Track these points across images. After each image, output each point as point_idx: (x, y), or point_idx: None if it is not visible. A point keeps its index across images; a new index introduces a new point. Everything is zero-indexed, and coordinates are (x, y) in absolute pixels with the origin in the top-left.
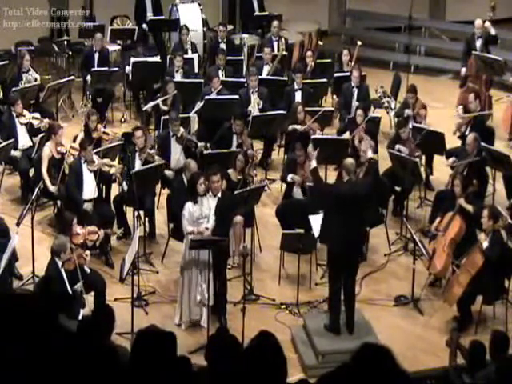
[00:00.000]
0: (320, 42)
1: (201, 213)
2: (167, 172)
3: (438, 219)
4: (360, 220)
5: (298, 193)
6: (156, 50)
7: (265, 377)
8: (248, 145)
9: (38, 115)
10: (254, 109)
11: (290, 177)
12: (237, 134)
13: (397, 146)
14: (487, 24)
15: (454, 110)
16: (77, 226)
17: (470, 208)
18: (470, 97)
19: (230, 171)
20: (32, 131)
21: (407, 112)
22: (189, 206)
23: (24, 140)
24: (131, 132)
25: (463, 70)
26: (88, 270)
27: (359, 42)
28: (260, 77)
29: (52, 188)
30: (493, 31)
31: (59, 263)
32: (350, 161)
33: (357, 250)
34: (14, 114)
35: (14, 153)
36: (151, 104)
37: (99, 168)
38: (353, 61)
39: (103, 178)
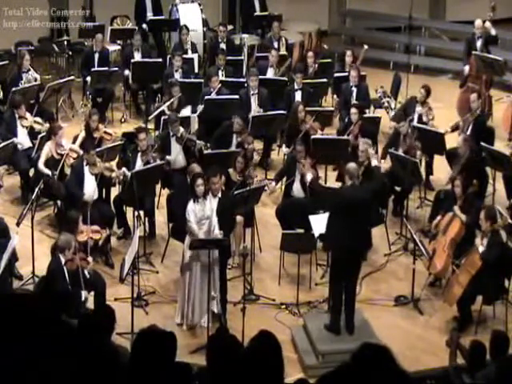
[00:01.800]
0: (325, 46)
1: (203, 213)
2: (168, 157)
3: (438, 217)
4: (363, 224)
5: (297, 189)
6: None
7: (265, 376)
8: (249, 141)
9: (39, 119)
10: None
11: (272, 185)
12: (236, 133)
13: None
14: (487, 24)
15: (452, 112)
16: (82, 224)
17: (462, 217)
18: (473, 96)
19: (231, 170)
20: (32, 134)
21: (403, 128)
22: (190, 205)
23: (24, 141)
24: (134, 133)
25: (466, 69)
26: (88, 276)
27: (366, 46)
28: (260, 77)
29: (46, 170)
30: (493, 31)
31: (62, 260)
32: (353, 165)
33: (359, 253)
34: (17, 116)
35: (15, 140)
36: (157, 112)
37: (101, 172)
38: (357, 63)
39: (104, 182)
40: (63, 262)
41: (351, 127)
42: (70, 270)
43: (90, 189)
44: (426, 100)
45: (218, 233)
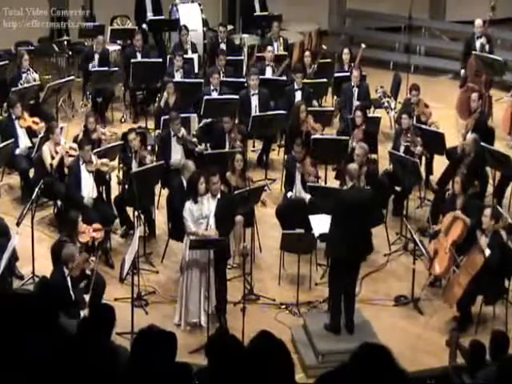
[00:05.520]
0: (324, 47)
1: (201, 213)
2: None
3: (440, 218)
4: (363, 225)
5: (299, 189)
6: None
7: (267, 377)
8: (237, 137)
9: (37, 119)
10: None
11: (288, 194)
12: (228, 133)
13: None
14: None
15: (457, 124)
16: (82, 224)
17: (467, 220)
18: (474, 95)
19: (228, 174)
20: (31, 133)
21: (404, 121)
22: (188, 205)
23: (24, 141)
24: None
25: (462, 72)
26: (89, 273)
27: (363, 45)
28: (260, 77)
29: (53, 161)
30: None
31: (66, 271)
32: (353, 166)
33: (358, 254)
34: (14, 116)
35: (18, 151)
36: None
37: (98, 168)
38: (356, 62)
39: (101, 179)
40: (66, 273)
41: (355, 131)
42: (73, 277)
43: (88, 188)
44: (419, 99)
45: (212, 232)
